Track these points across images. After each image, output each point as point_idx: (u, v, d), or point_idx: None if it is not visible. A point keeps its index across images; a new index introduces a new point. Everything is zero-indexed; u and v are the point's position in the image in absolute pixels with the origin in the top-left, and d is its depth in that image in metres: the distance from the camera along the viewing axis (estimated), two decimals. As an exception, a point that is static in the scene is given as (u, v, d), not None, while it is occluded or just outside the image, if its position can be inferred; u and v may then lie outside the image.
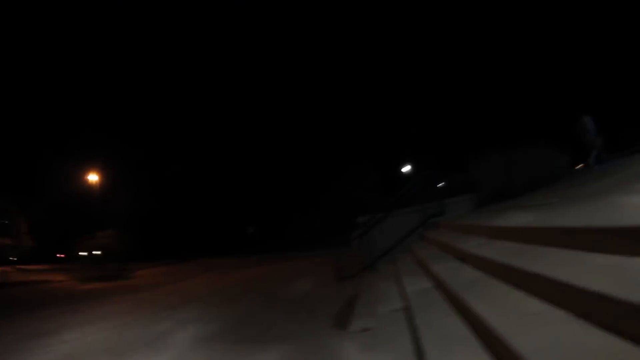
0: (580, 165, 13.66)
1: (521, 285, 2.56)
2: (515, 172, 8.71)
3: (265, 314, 6.89)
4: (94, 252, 20.91)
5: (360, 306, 5.26)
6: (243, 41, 37.05)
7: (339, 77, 31.29)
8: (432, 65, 26.96)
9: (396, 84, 28.41)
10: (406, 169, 25.75)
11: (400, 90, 28.02)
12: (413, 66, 28.03)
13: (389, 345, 3.13)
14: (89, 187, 26.34)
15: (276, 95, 34.71)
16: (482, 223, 5.08)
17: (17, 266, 25.78)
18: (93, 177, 26.27)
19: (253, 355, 4.53)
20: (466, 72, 24.82)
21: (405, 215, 9.60)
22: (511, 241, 3.60)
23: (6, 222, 24.59)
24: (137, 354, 5.09)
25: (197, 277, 15.72)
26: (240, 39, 37.67)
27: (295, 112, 33.16)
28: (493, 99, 22.59)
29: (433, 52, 27.22)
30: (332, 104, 31.00)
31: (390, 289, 5.34)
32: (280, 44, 36.73)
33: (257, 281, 12.15)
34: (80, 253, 21.46)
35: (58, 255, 36.11)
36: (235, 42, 37.18)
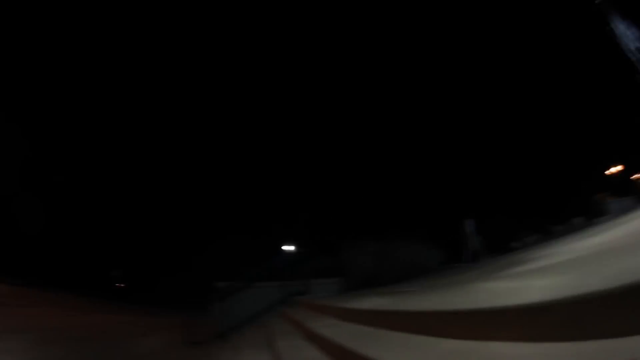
0: (455, 263, 14.39)
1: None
2: (385, 263, 8.85)
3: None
4: None
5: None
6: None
7: (238, 145, 30.99)
8: (322, 151, 28.18)
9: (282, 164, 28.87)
10: (288, 247, 25.52)
11: (286, 170, 28.47)
12: (306, 150, 28.94)
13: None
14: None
15: (173, 139, 32.94)
16: (337, 304, 4.96)
17: None
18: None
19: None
20: (350, 162, 26.27)
21: (267, 289, 9.16)
22: (361, 323, 3.35)
23: None
24: None
25: (37, 307, 13.06)
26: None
27: (187, 172, 31.60)
28: (369, 193, 23.97)
29: (321, 140, 28.58)
30: (221, 170, 30.38)
31: (232, 360, 5.01)
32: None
33: (104, 329, 10.60)
34: None
35: None
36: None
